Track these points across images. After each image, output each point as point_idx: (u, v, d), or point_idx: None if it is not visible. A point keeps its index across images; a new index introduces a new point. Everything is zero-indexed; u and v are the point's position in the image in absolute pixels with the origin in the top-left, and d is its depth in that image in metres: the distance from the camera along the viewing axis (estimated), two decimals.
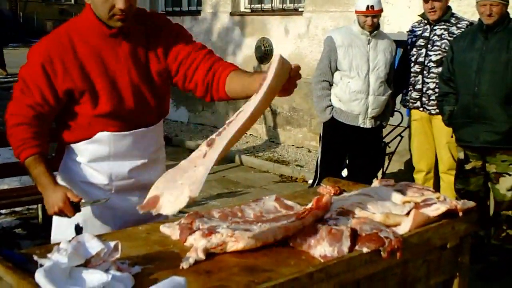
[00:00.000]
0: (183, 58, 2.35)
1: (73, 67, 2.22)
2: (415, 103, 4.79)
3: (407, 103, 4.88)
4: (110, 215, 2.38)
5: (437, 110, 4.58)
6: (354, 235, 1.92)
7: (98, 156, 2.34)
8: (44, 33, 2.56)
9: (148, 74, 2.34)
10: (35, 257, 1.62)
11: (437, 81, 4.58)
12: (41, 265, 1.56)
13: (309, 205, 2.05)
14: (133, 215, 2.14)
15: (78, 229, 2.07)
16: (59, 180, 2.35)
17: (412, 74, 4.79)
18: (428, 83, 4.67)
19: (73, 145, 2.35)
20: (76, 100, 2.26)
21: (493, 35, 4.04)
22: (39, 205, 4.96)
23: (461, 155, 4.33)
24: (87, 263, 1.62)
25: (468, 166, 4.28)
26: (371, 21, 4.55)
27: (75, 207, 2.17)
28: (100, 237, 1.79)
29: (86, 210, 2.28)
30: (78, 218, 2.21)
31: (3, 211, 5.11)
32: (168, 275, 1.69)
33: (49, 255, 1.64)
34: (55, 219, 2.38)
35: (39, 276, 1.51)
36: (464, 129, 4.19)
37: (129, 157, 2.37)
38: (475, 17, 5.50)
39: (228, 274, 1.67)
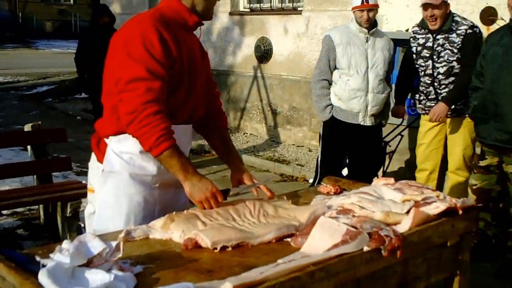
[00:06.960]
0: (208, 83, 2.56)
1: (172, 44, 2.23)
2: (430, 109, 4.69)
3: (422, 110, 4.81)
4: (152, 208, 2.36)
5: (453, 114, 4.57)
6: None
7: None
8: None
9: (206, 71, 2.50)
10: (38, 258, 1.63)
11: (450, 88, 4.55)
12: (44, 265, 1.57)
13: None
14: (171, 209, 2.29)
15: (80, 229, 2.08)
16: (104, 174, 2.30)
17: (423, 84, 4.73)
18: (441, 93, 4.61)
19: (123, 136, 2.27)
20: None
21: None
22: (41, 206, 4.95)
23: (478, 151, 4.26)
24: (89, 263, 1.63)
25: (483, 163, 4.19)
26: (367, 15, 4.53)
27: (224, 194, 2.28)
28: (102, 236, 1.80)
29: (131, 203, 2.28)
30: (123, 211, 2.26)
31: (4, 212, 5.08)
32: (170, 274, 1.70)
33: (51, 255, 1.64)
34: (101, 208, 2.31)
35: (43, 276, 1.52)
36: (481, 125, 4.11)
37: None
38: (473, 16, 5.52)
39: (229, 273, 1.68)
